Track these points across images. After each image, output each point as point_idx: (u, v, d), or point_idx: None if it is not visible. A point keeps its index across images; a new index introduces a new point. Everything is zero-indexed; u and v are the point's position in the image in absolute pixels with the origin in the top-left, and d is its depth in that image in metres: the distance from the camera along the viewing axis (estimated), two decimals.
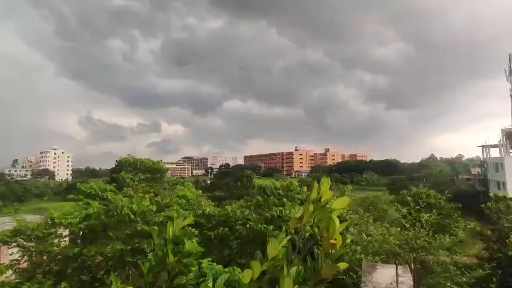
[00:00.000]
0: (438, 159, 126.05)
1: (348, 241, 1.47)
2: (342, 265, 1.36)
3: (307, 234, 1.53)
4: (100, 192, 13.70)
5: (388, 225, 15.43)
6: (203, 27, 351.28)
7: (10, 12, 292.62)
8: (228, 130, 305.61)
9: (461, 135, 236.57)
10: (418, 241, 12.94)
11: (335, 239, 1.39)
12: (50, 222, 11.77)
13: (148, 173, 28.81)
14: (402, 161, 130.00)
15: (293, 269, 1.30)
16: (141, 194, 16.27)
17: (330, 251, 1.41)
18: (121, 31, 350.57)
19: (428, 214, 14.63)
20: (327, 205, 1.48)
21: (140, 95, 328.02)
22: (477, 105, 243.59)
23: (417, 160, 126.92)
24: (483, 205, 15.72)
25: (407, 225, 14.37)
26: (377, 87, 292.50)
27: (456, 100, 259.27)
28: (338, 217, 1.47)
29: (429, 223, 14.58)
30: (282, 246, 1.43)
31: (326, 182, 1.54)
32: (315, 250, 1.43)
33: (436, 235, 13.77)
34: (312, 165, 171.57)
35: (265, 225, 15.02)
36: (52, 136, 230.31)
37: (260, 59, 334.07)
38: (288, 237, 1.47)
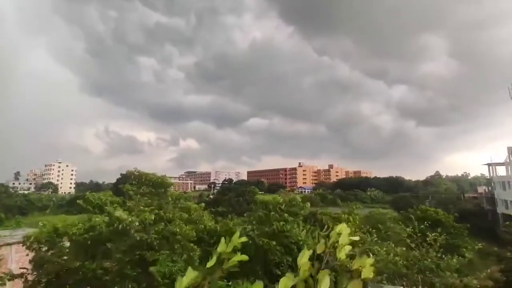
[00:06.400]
0: (444, 176, 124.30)
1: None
2: (368, 277, 1.34)
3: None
4: (106, 204, 13.67)
5: (393, 245, 15.01)
6: (244, 43, 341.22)
7: (43, 28, 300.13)
8: (248, 145, 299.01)
9: (477, 153, 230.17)
10: (425, 262, 12.61)
11: None
12: (54, 234, 11.72)
13: (152, 187, 28.75)
14: (407, 178, 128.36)
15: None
16: (142, 207, 16.09)
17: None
18: (157, 47, 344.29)
19: (434, 233, 14.26)
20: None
21: (166, 111, 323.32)
22: (502, 123, 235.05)
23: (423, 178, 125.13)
24: (504, 226, 15.17)
25: (413, 245, 13.98)
26: (412, 104, 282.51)
27: (485, 118, 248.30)
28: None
29: (438, 243, 14.24)
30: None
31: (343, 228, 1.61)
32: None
33: (443, 256, 13.38)
34: (316, 181, 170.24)
35: (267, 240, 14.65)
36: (73, 150, 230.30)
37: (296, 75, 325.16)
38: (310, 251, 1.47)
